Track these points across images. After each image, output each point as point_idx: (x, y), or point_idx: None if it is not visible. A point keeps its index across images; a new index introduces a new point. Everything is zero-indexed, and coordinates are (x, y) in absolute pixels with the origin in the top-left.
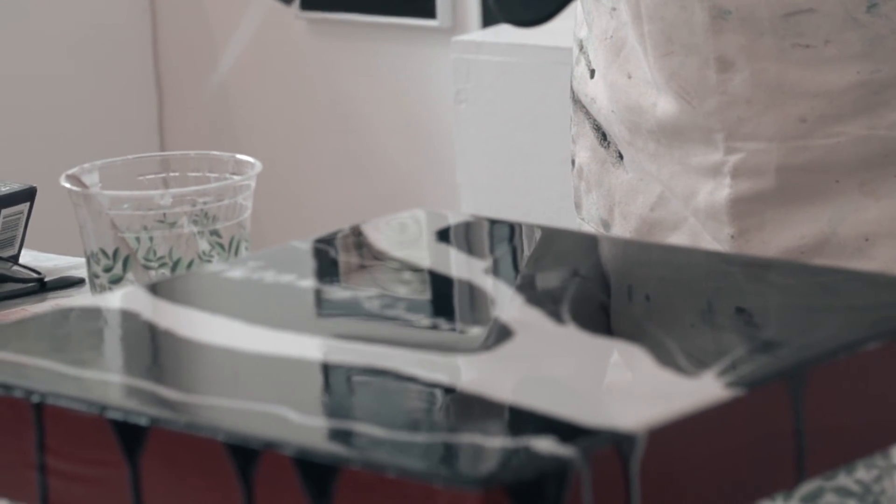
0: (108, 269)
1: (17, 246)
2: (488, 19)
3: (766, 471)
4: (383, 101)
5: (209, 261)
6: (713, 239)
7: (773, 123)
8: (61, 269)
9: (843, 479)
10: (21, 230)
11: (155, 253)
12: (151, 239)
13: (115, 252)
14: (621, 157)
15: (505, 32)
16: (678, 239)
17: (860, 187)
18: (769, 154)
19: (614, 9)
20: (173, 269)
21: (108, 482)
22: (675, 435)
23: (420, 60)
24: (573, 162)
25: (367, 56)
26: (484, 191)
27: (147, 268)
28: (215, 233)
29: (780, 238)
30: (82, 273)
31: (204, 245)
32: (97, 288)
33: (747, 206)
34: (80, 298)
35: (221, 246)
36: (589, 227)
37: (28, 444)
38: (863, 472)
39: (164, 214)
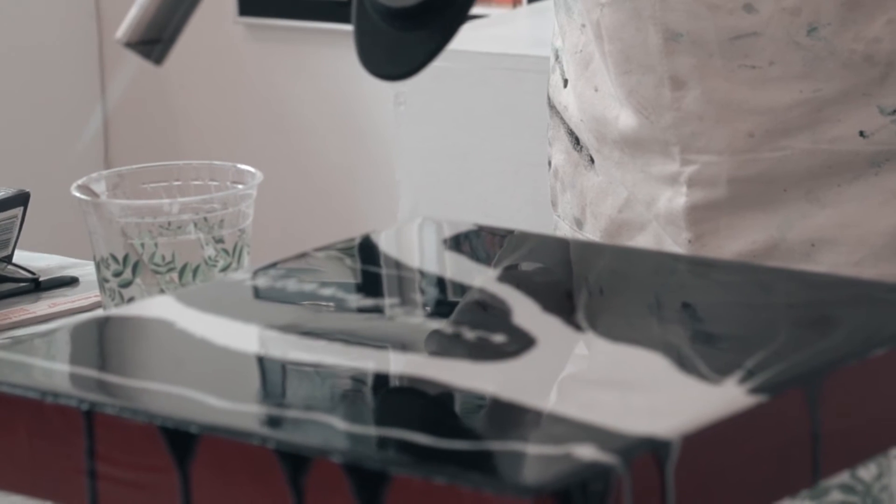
0: (117, 274)
1: (11, 248)
2: None
3: (785, 472)
4: (321, 103)
5: (214, 265)
6: (673, 242)
7: (724, 138)
8: (53, 269)
9: (845, 477)
10: (15, 233)
11: (163, 258)
12: (156, 245)
13: (125, 258)
14: (592, 161)
15: None
16: (644, 239)
17: (806, 196)
18: (721, 166)
19: (584, 25)
20: (181, 273)
21: (157, 488)
22: (705, 441)
23: (356, 64)
24: (549, 163)
25: (304, 60)
26: (422, 188)
27: (155, 272)
28: (220, 239)
29: (734, 243)
30: (74, 272)
31: (210, 251)
32: (107, 292)
33: (702, 213)
34: (115, 310)
35: (226, 251)
36: (564, 225)
37: (78, 451)
38: (864, 470)
39: (171, 222)
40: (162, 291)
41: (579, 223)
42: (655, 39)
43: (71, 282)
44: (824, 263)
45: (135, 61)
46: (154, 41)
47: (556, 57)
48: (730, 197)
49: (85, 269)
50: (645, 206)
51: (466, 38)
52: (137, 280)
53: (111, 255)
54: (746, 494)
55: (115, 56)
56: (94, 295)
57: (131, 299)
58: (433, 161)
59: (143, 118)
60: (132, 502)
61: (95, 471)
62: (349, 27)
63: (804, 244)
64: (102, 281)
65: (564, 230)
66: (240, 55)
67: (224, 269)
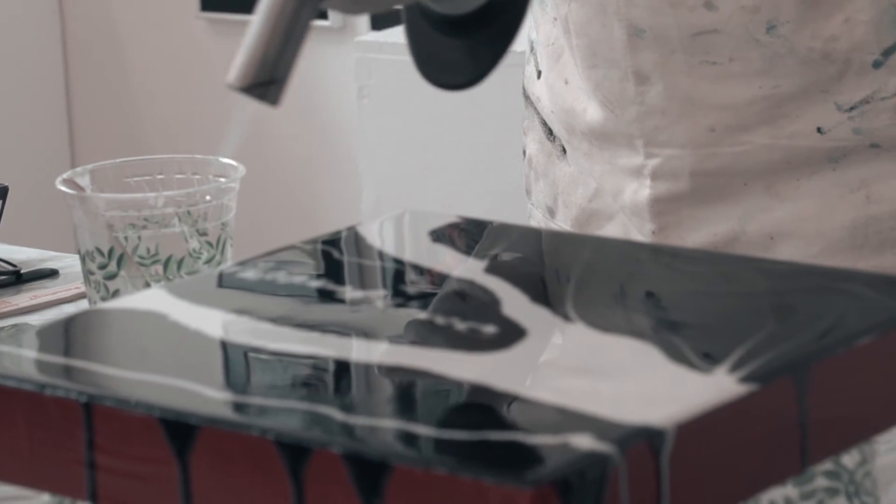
0: (102, 267)
1: None
2: (378, 21)
3: (775, 459)
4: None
5: (198, 258)
6: (638, 233)
7: (686, 132)
8: (34, 261)
9: (830, 464)
10: None
11: (148, 251)
12: (139, 238)
13: (110, 251)
14: (565, 151)
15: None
16: (612, 229)
17: (766, 190)
18: (683, 160)
19: (555, 18)
20: (165, 266)
21: (157, 479)
22: (699, 429)
23: (316, 58)
24: (524, 152)
25: None
26: (384, 180)
27: (140, 265)
28: (204, 232)
29: (696, 235)
30: (54, 265)
31: (194, 243)
32: (92, 284)
33: (665, 205)
34: (108, 303)
35: (210, 244)
36: (538, 213)
37: (78, 442)
38: (847, 457)
39: (155, 215)
40: (147, 284)
41: (551, 212)
42: (620, 35)
43: (51, 274)
44: (783, 256)
45: (249, 112)
46: (268, 82)
47: (532, 48)
48: (692, 190)
49: (64, 262)
50: (612, 197)
51: None
52: (122, 272)
53: (96, 248)
54: (737, 481)
55: (78, 50)
56: (74, 287)
57: (116, 291)
58: (396, 153)
59: (108, 113)
60: (132, 493)
61: (95, 462)
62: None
63: (764, 237)
64: (88, 273)
65: (538, 218)
66: (202, 50)
67: (208, 262)
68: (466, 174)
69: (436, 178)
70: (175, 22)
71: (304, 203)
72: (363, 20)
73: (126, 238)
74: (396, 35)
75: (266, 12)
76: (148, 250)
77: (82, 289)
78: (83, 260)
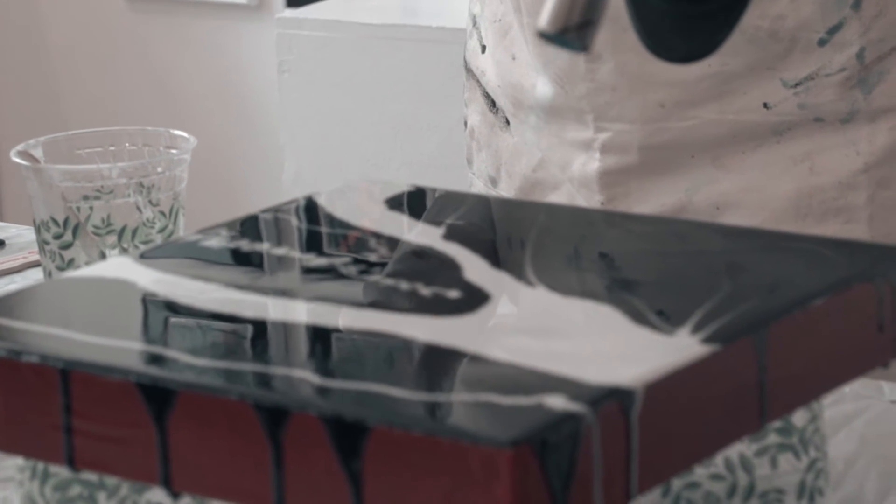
0: (58, 237)
1: None
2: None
3: (735, 417)
4: (204, 73)
5: (152, 227)
6: (586, 203)
7: (636, 108)
8: None
9: (780, 421)
10: None
11: (103, 221)
12: (91, 209)
13: (65, 221)
14: (508, 122)
15: (322, 10)
16: (557, 198)
17: (713, 162)
18: (632, 134)
19: None
20: (120, 235)
21: (135, 442)
22: (665, 389)
23: (235, 36)
24: (465, 123)
25: (186, 32)
26: (305, 152)
27: (96, 234)
28: (157, 202)
29: (644, 206)
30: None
31: (147, 213)
32: (47, 254)
33: (614, 177)
34: (77, 271)
35: (163, 214)
36: (479, 182)
37: (54, 407)
38: (797, 415)
39: (109, 186)
40: (101, 253)
41: (494, 181)
42: None
43: None
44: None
45: None
46: (583, 24)
47: (474, 23)
48: (640, 163)
49: (9, 232)
50: (559, 169)
51: (346, 10)
52: (77, 242)
53: (51, 218)
54: (700, 439)
55: None
56: (21, 257)
57: (71, 261)
58: (316, 126)
59: (29, 91)
60: (109, 457)
61: (72, 427)
62: (229, 0)
63: (710, 207)
64: (42, 243)
65: (479, 187)
66: (122, 27)
67: (161, 231)
68: (384, 145)
69: (355, 149)
70: (96, 2)
71: (226, 176)
72: None
73: (79, 208)
74: (316, 11)
75: None
76: (102, 220)
77: (30, 259)
78: (38, 230)
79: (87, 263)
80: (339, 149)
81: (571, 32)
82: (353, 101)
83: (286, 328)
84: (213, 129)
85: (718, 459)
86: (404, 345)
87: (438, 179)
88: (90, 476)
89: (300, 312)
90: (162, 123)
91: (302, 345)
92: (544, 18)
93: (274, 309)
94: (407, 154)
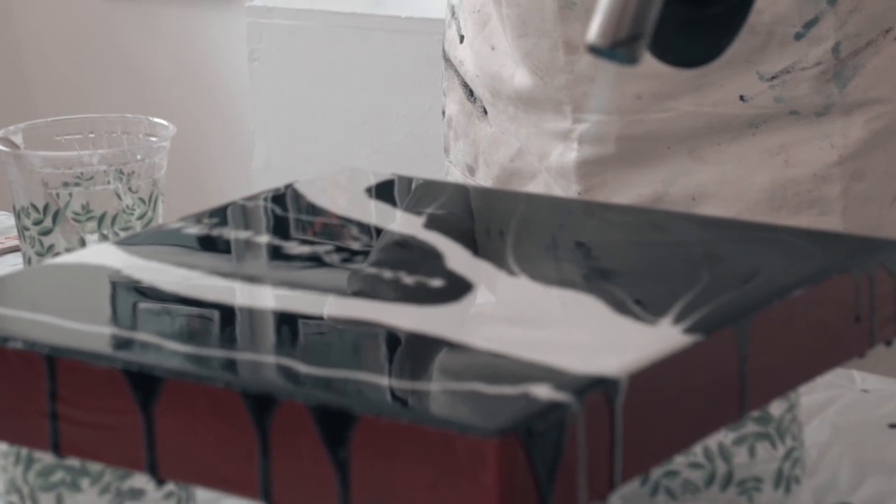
0: (38, 223)
1: None
2: None
3: (716, 406)
4: (175, 60)
5: (131, 214)
6: (563, 192)
7: (614, 99)
8: None
9: (757, 410)
10: None
11: (83, 207)
12: (70, 195)
13: (45, 207)
14: (486, 112)
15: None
16: (535, 187)
17: (689, 153)
18: (610, 125)
19: None
20: (100, 222)
21: (121, 429)
22: (648, 378)
23: (204, 24)
24: (443, 112)
25: (156, 19)
26: (275, 138)
27: (76, 221)
28: (136, 189)
29: (621, 196)
30: None
31: (127, 200)
32: (27, 240)
33: (592, 167)
34: (60, 258)
35: (142, 200)
36: (456, 171)
37: (40, 394)
38: (774, 404)
39: (89, 173)
40: (81, 239)
41: (471, 170)
42: (551, 6)
43: None
44: None
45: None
46: (632, 38)
47: (453, 13)
48: (618, 153)
49: None
50: (537, 158)
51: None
52: (57, 228)
53: (31, 204)
54: (682, 428)
55: None
56: None
57: (51, 247)
58: (286, 114)
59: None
60: (95, 443)
61: (57, 413)
62: None
63: (686, 198)
64: (23, 229)
65: (456, 176)
66: (93, 16)
67: (141, 218)
68: (353, 133)
69: (324, 137)
70: None
71: (196, 163)
72: None
73: (59, 195)
74: (287, 1)
75: None
76: (82, 206)
77: (6, 244)
78: (18, 216)
79: (67, 249)
80: (309, 136)
81: (621, 46)
82: (322, 90)
83: (273, 316)
84: (183, 116)
85: (697, 448)
86: (390, 334)
87: (407, 167)
88: (74, 462)
89: (286, 301)
90: (133, 111)
91: (289, 333)
92: (594, 32)
93: (260, 297)
94: (376, 142)
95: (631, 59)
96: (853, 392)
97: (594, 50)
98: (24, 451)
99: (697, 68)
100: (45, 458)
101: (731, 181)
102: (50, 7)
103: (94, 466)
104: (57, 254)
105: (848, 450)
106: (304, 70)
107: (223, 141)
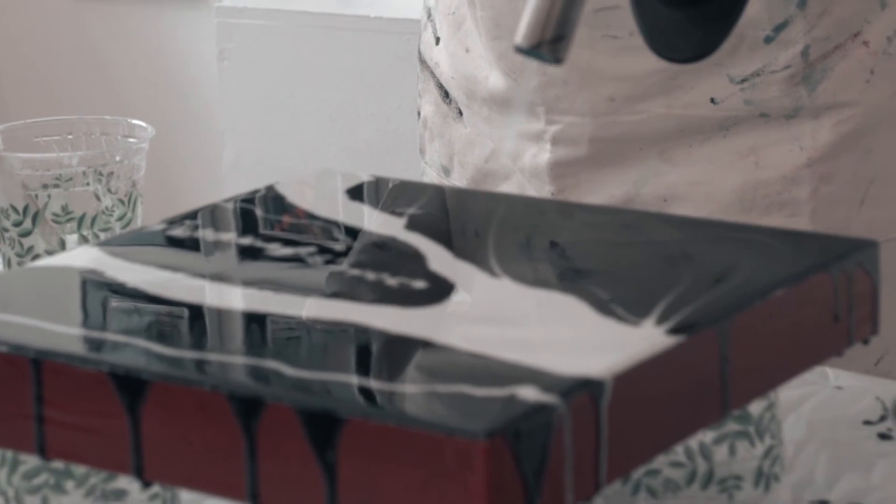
0: (17, 224)
1: None
2: None
3: (699, 406)
4: (145, 59)
5: (111, 215)
6: (536, 193)
7: (586, 101)
8: None
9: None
10: None
11: (63, 209)
12: (49, 196)
13: (25, 208)
14: (461, 113)
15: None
16: (509, 188)
17: (660, 155)
18: (583, 127)
19: None
20: (79, 223)
21: (107, 432)
22: (633, 379)
23: (173, 24)
24: (419, 113)
25: (126, 18)
26: (244, 137)
27: (56, 222)
28: (115, 190)
29: (593, 197)
30: None
31: (106, 202)
32: (6, 241)
33: (565, 169)
34: (43, 260)
35: (121, 202)
36: (431, 171)
37: (26, 397)
38: (753, 403)
39: (69, 174)
40: (61, 240)
41: (447, 171)
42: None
43: None
44: None
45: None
46: (557, 39)
47: (429, 15)
48: (590, 155)
49: None
50: (510, 159)
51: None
52: (37, 230)
53: (11, 206)
54: (665, 429)
55: None
56: None
57: (31, 248)
58: (255, 113)
59: None
60: (81, 446)
61: (43, 416)
62: None
63: (657, 199)
64: (2, 231)
65: (431, 176)
66: (62, 15)
67: (120, 219)
68: (323, 132)
69: (294, 136)
70: None
71: (166, 162)
72: None
73: (38, 196)
74: (256, 0)
75: None
76: (62, 208)
77: None
78: None
79: (47, 251)
80: (279, 135)
81: (545, 46)
82: (292, 89)
83: (259, 319)
84: (153, 115)
85: (678, 447)
86: (376, 336)
87: (377, 165)
88: (58, 464)
89: (269, 303)
90: (103, 111)
91: (275, 336)
92: (520, 34)
93: (245, 299)
94: (345, 141)
95: (555, 59)
96: (827, 389)
97: (520, 50)
98: (9, 454)
99: (695, 63)
100: (30, 460)
101: (702, 183)
102: (18, 7)
103: (79, 469)
104: (37, 255)
105: (824, 447)
106: (273, 70)
107: (193, 140)
